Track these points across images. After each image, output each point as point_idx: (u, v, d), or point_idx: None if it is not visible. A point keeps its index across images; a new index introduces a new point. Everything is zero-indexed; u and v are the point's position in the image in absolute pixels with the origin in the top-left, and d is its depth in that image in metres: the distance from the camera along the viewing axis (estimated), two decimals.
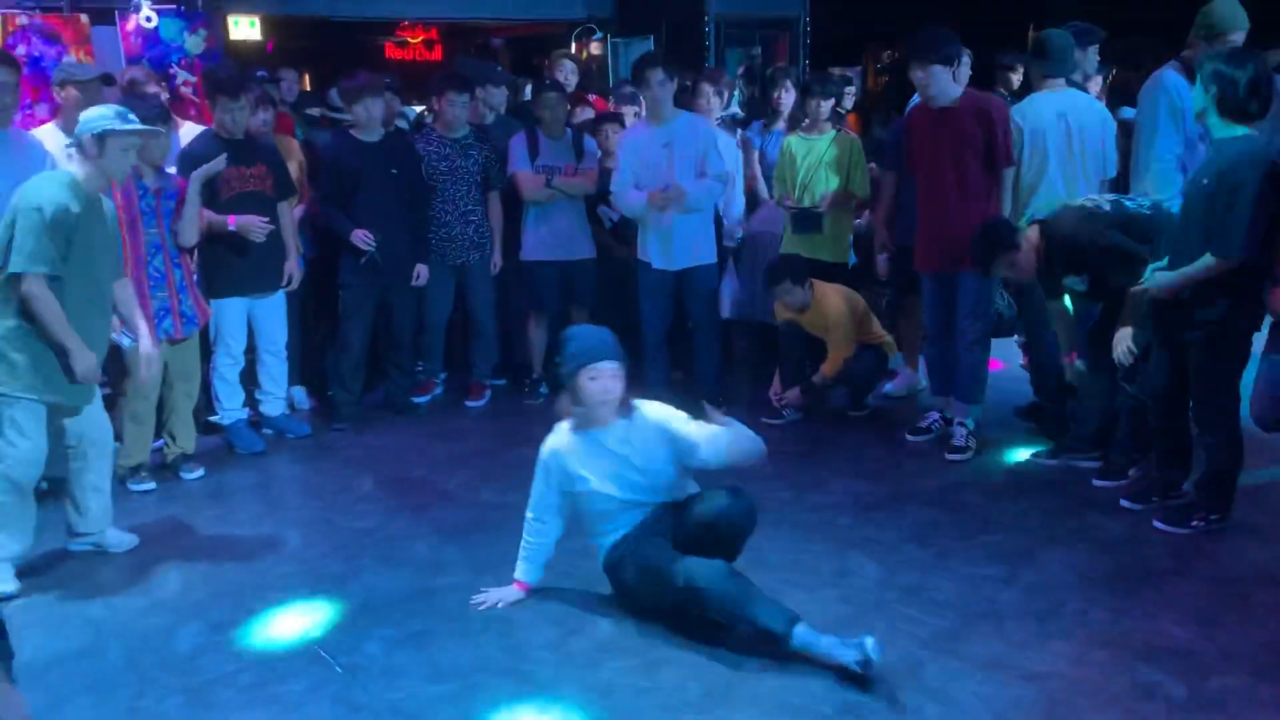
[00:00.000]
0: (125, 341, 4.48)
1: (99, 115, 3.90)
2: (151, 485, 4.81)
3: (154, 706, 3.05)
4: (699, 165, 5.44)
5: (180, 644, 3.42)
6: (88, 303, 3.91)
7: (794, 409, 5.62)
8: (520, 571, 3.66)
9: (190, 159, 5.07)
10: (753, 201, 6.38)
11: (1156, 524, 4.12)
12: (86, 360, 3.83)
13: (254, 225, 5.11)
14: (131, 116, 3.95)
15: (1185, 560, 3.88)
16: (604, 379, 3.43)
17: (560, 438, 3.56)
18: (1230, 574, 3.77)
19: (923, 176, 5.05)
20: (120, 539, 4.14)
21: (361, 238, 5.44)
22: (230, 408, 5.33)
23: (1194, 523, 4.07)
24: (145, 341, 4.21)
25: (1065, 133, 4.95)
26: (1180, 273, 3.90)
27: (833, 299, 5.50)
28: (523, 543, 3.65)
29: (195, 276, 5.01)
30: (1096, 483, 4.58)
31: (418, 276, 5.70)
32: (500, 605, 3.59)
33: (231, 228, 5.07)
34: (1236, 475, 4.09)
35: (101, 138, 3.85)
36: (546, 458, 3.57)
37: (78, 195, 3.82)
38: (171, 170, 5.00)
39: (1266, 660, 3.19)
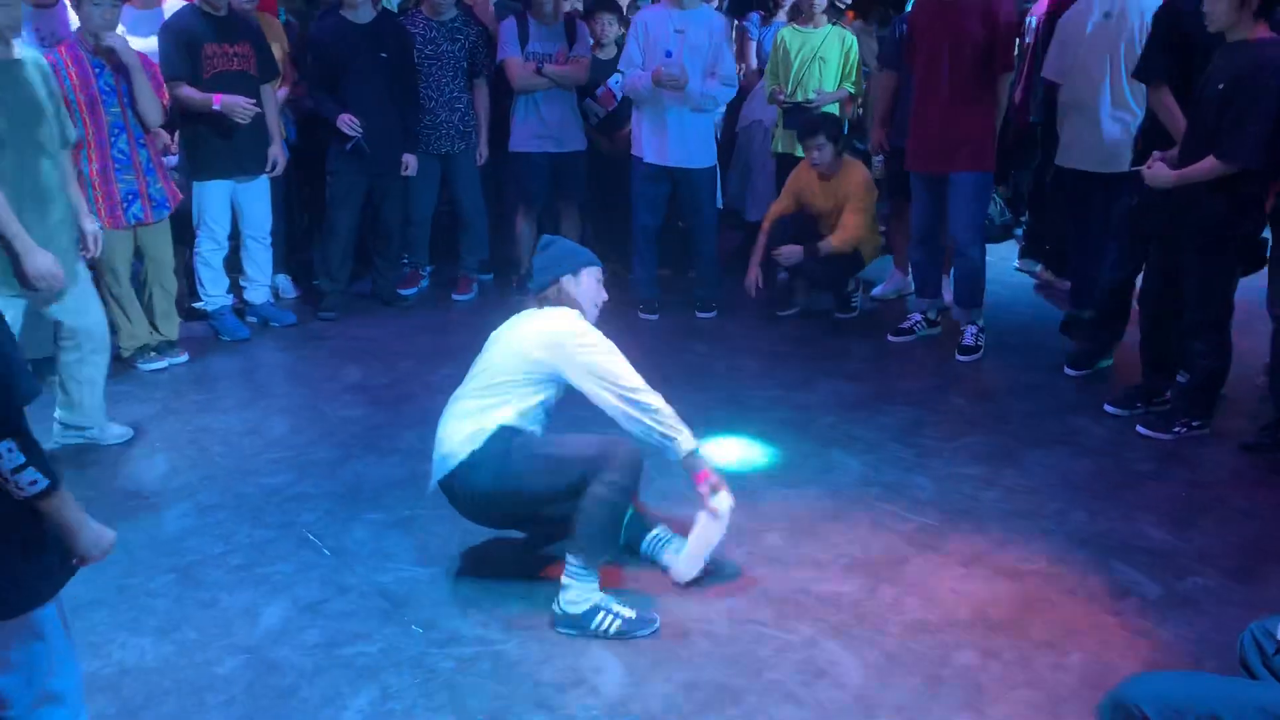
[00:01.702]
0: (90, 227, 4.39)
1: None
2: (163, 364, 4.79)
3: (143, 584, 3.07)
4: (709, 61, 5.32)
5: (169, 526, 3.44)
6: (19, 187, 3.50)
7: (786, 269, 5.48)
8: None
9: (171, 32, 4.92)
10: (743, 94, 6.26)
11: (1140, 429, 4.17)
12: (36, 262, 3.44)
13: (239, 106, 4.96)
14: None
15: (1165, 464, 3.94)
16: (601, 283, 3.24)
17: (587, 319, 3.16)
18: (1208, 478, 3.83)
19: (919, 72, 4.95)
20: (113, 431, 4.08)
21: (347, 122, 5.31)
22: (214, 294, 5.27)
23: (1176, 428, 4.11)
24: (86, 221, 3.93)
25: None
26: (1180, 173, 3.85)
27: (860, 169, 5.42)
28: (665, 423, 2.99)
29: (177, 158, 4.89)
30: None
31: (406, 167, 5.59)
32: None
33: (216, 107, 4.93)
34: (1222, 382, 4.13)
35: None
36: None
37: None
38: (147, 45, 4.83)
39: (1240, 562, 3.26)
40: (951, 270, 5.23)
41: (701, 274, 5.76)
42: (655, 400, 2.98)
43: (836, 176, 5.35)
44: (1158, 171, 3.94)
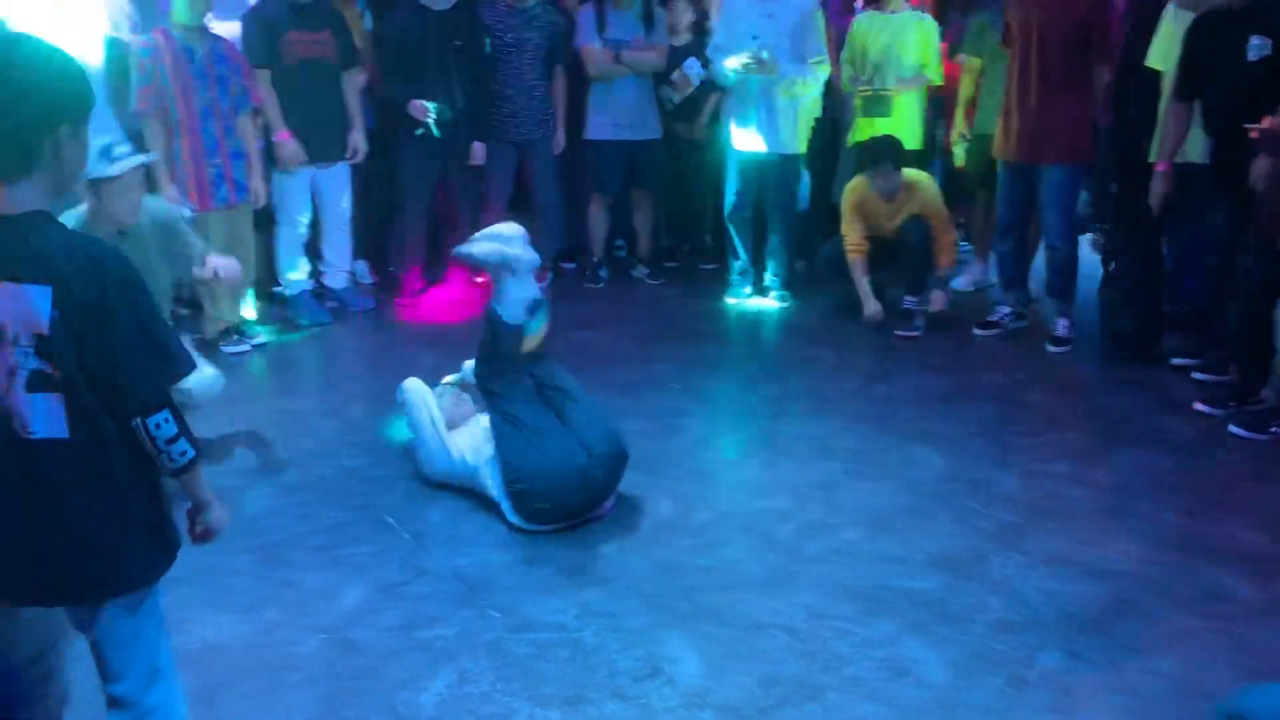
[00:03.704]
0: (185, 211, 4.49)
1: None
2: (245, 347, 4.88)
3: (226, 563, 3.11)
4: (799, 45, 5.25)
5: (251, 506, 3.49)
6: None
7: (924, 316, 5.21)
8: None
9: (254, 19, 5.00)
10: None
11: (1233, 429, 4.02)
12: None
13: (290, 153, 5.07)
14: (119, 150, 3.40)
15: (1261, 466, 3.79)
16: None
17: None
18: None
19: (1015, 56, 4.82)
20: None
21: (419, 108, 5.34)
22: (294, 279, 5.35)
23: (1273, 428, 3.96)
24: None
25: None
26: None
27: (923, 179, 5.28)
28: None
29: (260, 142, 4.98)
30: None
31: (474, 155, 5.61)
32: None
33: (276, 140, 5.04)
34: None
35: (94, 184, 3.36)
36: None
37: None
38: (229, 28, 4.91)
39: None
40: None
41: (777, 264, 5.69)
42: None
43: (901, 195, 5.19)
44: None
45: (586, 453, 3.30)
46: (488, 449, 3.39)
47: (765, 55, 5.11)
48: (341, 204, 5.40)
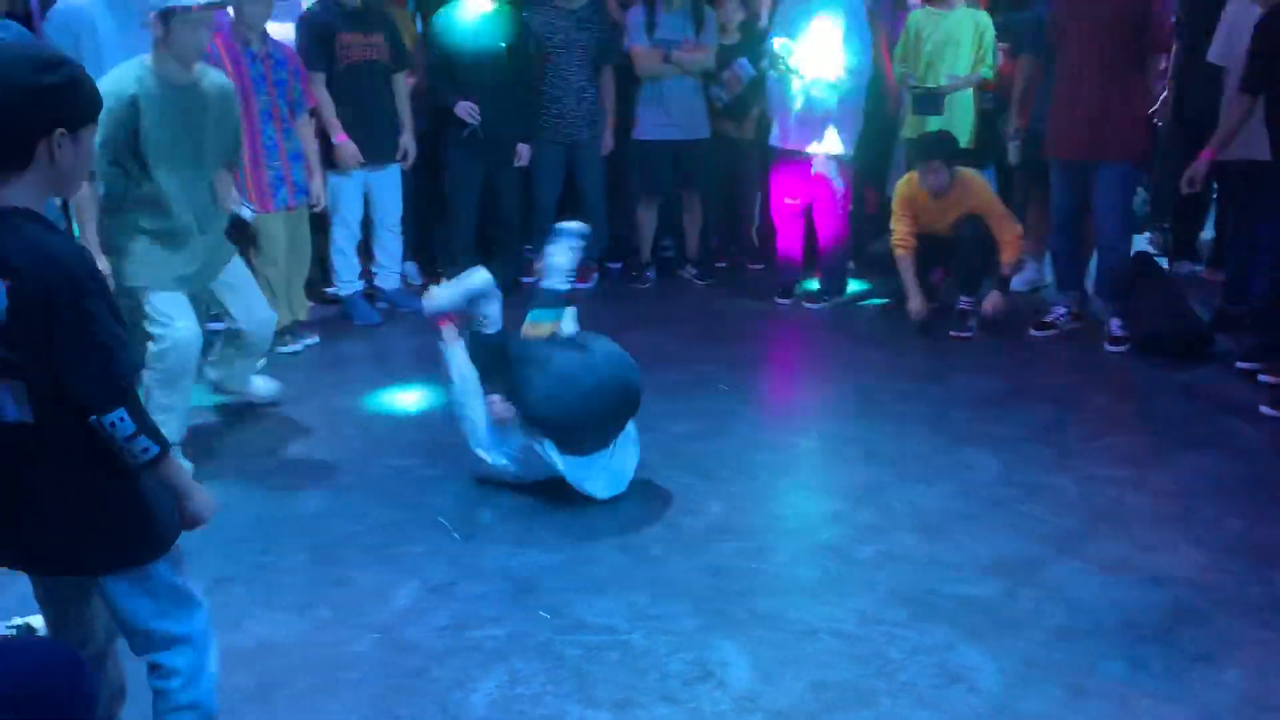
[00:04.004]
0: (246, 212, 4.55)
1: None
2: (298, 347, 4.95)
3: (279, 562, 3.15)
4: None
5: (304, 505, 3.53)
6: (187, 192, 3.65)
7: (989, 316, 5.12)
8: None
9: (308, 24, 5.05)
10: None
11: None
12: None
13: (349, 155, 5.12)
14: None
15: None
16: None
17: None
18: None
19: (1066, 51, 4.72)
20: (265, 387, 4.27)
21: (466, 109, 5.36)
22: (347, 279, 5.41)
23: None
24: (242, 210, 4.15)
25: None
26: None
27: (975, 179, 5.17)
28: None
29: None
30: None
31: (519, 156, 5.62)
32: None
33: (335, 142, 5.10)
34: None
35: (165, 15, 3.43)
36: None
37: (143, 83, 3.48)
38: (285, 31, 4.98)
39: None
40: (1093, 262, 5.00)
41: (824, 263, 5.65)
42: None
43: (952, 192, 5.08)
44: None
45: (594, 371, 3.45)
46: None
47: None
48: (393, 206, 5.44)
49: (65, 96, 1.82)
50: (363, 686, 2.60)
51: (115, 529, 1.95)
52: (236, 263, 3.99)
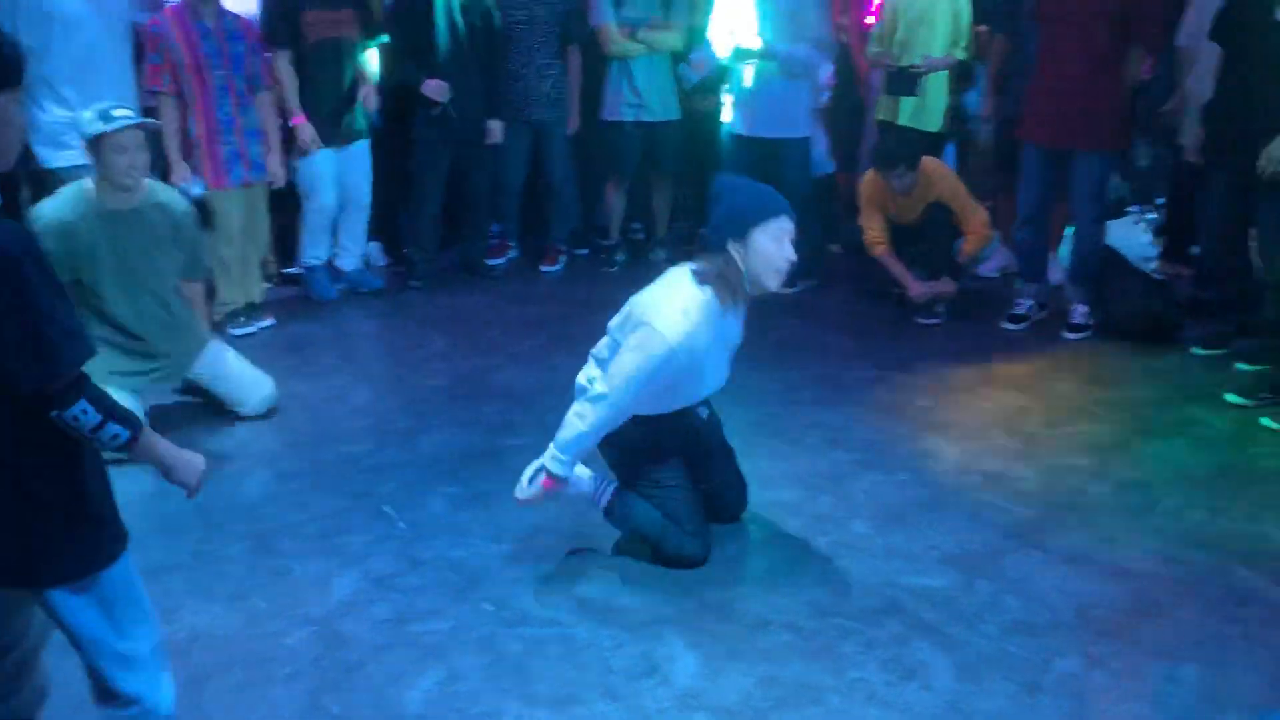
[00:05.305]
0: (195, 190, 4.43)
1: (87, 117, 3.43)
2: (251, 329, 4.83)
3: (218, 551, 3.06)
4: (798, 23, 5.09)
5: (248, 492, 3.43)
6: (138, 311, 3.63)
7: (944, 304, 5.08)
8: (563, 466, 2.90)
9: (272, 1, 4.92)
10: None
11: (1264, 421, 3.86)
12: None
13: (308, 140, 5.01)
14: (118, 114, 3.41)
15: None
16: (787, 239, 2.86)
17: (691, 319, 2.78)
18: None
19: (1050, 36, 4.62)
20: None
21: (435, 88, 5.23)
22: (313, 253, 5.29)
23: None
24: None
25: None
26: None
27: (938, 168, 5.08)
28: (576, 434, 2.86)
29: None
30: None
31: (490, 133, 5.51)
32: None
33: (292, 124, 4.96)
34: None
35: (94, 143, 3.40)
36: (679, 351, 2.75)
37: (78, 205, 3.45)
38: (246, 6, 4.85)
39: None
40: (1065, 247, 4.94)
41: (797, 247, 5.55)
42: (586, 421, 2.84)
43: (916, 189, 4.98)
44: None
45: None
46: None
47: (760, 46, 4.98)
48: (363, 184, 5.32)
49: None
50: (296, 681, 2.52)
51: (60, 538, 1.83)
52: (218, 350, 3.93)
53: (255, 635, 2.69)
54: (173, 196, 3.79)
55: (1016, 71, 5.09)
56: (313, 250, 5.30)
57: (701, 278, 2.85)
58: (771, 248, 2.81)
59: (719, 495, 3.17)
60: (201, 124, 4.61)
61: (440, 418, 3.98)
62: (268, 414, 3.97)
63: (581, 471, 3.04)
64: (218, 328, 4.70)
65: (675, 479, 3.02)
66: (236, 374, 3.94)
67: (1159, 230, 6.01)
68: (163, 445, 1.96)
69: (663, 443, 3.03)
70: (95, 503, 1.86)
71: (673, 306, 2.79)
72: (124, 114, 3.44)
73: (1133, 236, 6.06)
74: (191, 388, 3.98)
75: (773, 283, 2.86)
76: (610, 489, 3.05)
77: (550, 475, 2.88)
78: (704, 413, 3.16)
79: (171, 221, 3.70)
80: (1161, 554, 3.05)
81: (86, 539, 1.86)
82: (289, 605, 2.81)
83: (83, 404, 1.75)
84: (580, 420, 2.85)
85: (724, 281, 2.83)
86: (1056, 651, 2.61)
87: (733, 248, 2.82)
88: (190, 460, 2.01)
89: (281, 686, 2.50)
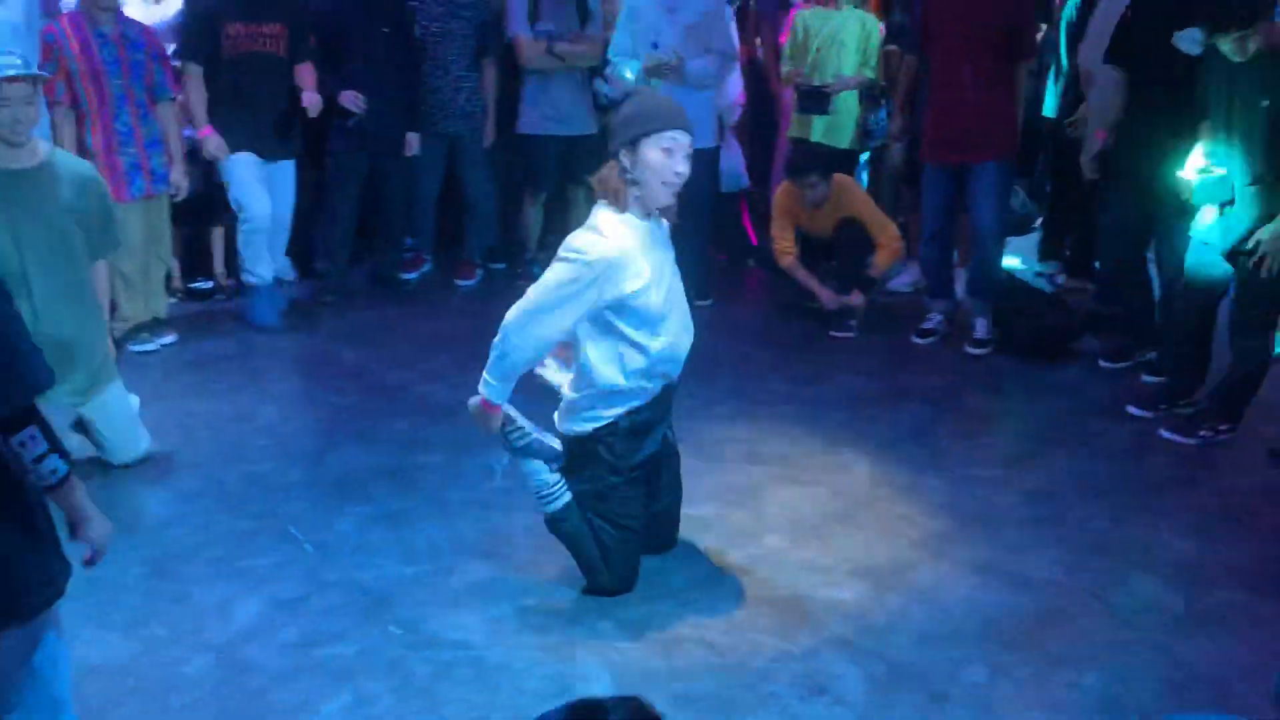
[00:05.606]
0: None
1: None
2: (153, 346, 4.67)
3: (115, 576, 2.93)
4: (704, 37, 5.13)
5: (147, 515, 3.33)
6: (49, 293, 3.33)
7: (856, 317, 5.14)
8: (496, 392, 2.84)
9: (192, 12, 4.86)
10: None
11: (1163, 433, 3.98)
12: None
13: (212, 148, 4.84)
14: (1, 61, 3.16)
15: (1190, 470, 3.75)
16: (679, 154, 2.78)
17: (610, 236, 2.72)
18: (1236, 487, 3.64)
19: (937, 59, 4.75)
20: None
21: (351, 99, 5.14)
22: (259, 273, 5.03)
23: (1202, 432, 3.92)
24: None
25: None
26: None
27: (851, 184, 5.19)
28: (497, 354, 2.80)
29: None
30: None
31: (408, 146, 5.43)
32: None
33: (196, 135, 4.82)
34: (1258, 386, 3.93)
35: None
36: (597, 263, 2.69)
37: None
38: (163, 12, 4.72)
39: (1268, 575, 3.07)
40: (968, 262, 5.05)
41: (694, 261, 5.55)
42: (505, 338, 2.79)
43: (829, 203, 5.10)
44: None
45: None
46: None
47: (667, 59, 4.99)
48: (286, 203, 5.16)
49: None
50: (195, 711, 2.44)
51: (47, 559, 1.74)
52: (121, 392, 3.61)
53: (152, 664, 2.59)
54: (78, 162, 3.52)
55: (925, 90, 5.19)
56: (255, 268, 5.02)
57: (600, 193, 2.83)
58: (660, 159, 2.74)
59: (665, 515, 3.10)
60: (100, 135, 4.47)
61: (349, 435, 3.90)
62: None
63: (540, 465, 2.92)
64: (118, 345, 4.55)
65: (630, 518, 2.91)
66: (124, 424, 3.62)
67: (1041, 244, 6.14)
68: (83, 493, 1.86)
69: (637, 459, 2.92)
70: (38, 544, 1.75)
71: (583, 227, 2.81)
72: (8, 61, 3.16)
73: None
74: (79, 423, 3.60)
75: (664, 196, 2.80)
76: (563, 500, 2.92)
77: (485, 400, 2.82)
78: (670, 435, 3.10)
79: (76, 186, 3.37)
80: (1065, 563, 3.12)
81: (59, 562, 1.78)
82: (189, 632, 2.72)
83: (33, 429, 1.67)
84: (501, 341, 2.79)
85: (606, 186, 2.80)
86: (963, 661, 2.65)
87: (624, 157, 2.78)
88: (103, 520, 1.90)
89: (179, 717, 2.41)
